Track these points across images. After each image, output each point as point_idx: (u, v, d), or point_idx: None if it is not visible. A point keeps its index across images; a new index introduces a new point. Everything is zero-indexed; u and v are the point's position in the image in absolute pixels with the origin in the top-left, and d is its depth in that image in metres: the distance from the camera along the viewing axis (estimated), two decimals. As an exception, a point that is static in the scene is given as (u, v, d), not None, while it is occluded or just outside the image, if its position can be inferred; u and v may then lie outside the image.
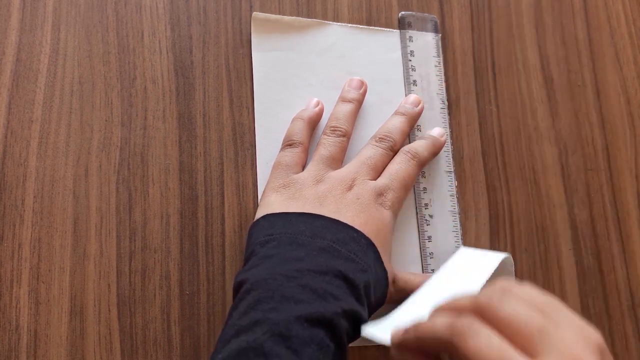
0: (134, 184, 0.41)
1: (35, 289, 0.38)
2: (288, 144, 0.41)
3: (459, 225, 0.45)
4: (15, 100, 0.40)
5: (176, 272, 0.40)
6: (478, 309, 0.26)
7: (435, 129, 0.45)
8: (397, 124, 0.43)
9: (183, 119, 0.42)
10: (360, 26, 0.47)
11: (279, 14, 0.46)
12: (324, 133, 0.42)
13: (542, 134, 0.49)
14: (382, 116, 0.45)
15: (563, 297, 0.45)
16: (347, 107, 0.43)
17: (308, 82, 0.45)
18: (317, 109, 0.43)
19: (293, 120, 0.43)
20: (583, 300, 0.46)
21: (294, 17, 0.46)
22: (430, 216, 0.44)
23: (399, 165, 0.41)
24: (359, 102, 0.44)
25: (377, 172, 0.40)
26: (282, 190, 0.39)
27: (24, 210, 0.39)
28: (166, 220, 0.41)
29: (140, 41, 0.43)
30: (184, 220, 0.41)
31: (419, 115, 0.45)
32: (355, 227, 0.36)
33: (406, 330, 0.30)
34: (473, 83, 0.48)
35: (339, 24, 0.47)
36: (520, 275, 0.45)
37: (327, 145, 0.41)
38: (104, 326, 0.38)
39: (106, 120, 0.41)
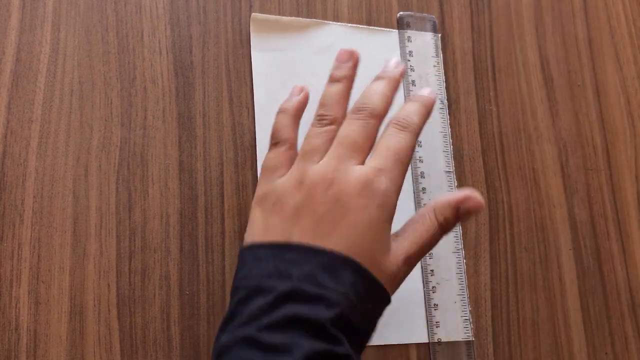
0: (134, 183, 0.41)
1: (35, 289, 0.38)
2: (273, 143, 0.38)
3: (458, 225, 0.45)
4: (15, 100, 0.40)
5: (176, 272, 0.40)
6: None
7: (424, 88, 0.39)
8: (376, 88, 0.37)
9: (183, 118, 0.42)
10: (360, 26, 0.47)
11: (279, 14, 0.46)
12: (312, 124, 0.37)
13: (542, 134, 0.49)
14: None
15: (563, 297, 0.45)
16: (336, 89, 0.38)
17: (307, 82, 0.45)
18: (300, 96, 0.39)
19: (277, 114, 0.39)
20: (583, 300, 0.46)
21: (293, 18, 0.46)
22: None
23: (389, 139, 0.35)
24: (350, 79, 0.38)
25: (361, 151, 0.35)
26: (263, 203, 0.36)
27: (24, 210, 0.39)
28: (166, 220, 0.41)
29: (140, 41, 0.43)
30: (184, 220, 0.41)
31: (400, 77, 0.39)
32: (331, 245, 0.32)
33: None
34: (473, 83, 0.48)
35: (338, 23, 0.47)
36: (521, 275, 0.45)
37: (311, 137, 0.36)
38: (103, 326, 0.38)
39: (106, 120, 0.41)
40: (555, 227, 0.47)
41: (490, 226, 0.46)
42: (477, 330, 0.43)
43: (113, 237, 0.40)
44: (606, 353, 0.45)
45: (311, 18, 0.46)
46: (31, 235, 0.39)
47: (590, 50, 0.52)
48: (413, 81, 0.47)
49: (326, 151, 0.36)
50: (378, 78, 0.38)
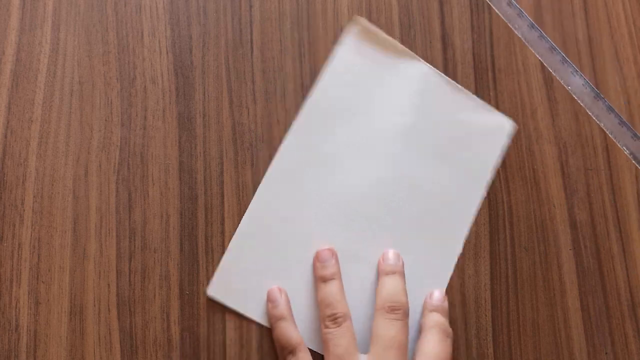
0: (134, 183, 0.41)
1: (35, 289, 0.38)
2: (289, 351, 0.39)
3: None
4: (15, 100, 0.40)
5: (176, 272, 0.40)
6: None
7: (436, 293, 0.42)
8: (397, 285, 0.40)
9: (183, 118, 0.42)
10: (454, 82, 0.47)
11: (278, 13, 0.46)
12: (325, 326, 0.39)
13: (542, 134, 0.49)
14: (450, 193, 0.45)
15: (563, 297, 0.45)
16: (334, 287, 0.40)
17: (367, 102, 0.45)
18: (284, 298, 0.40)
19: (276, 325, 0.40)
20: (583, 300, 0.46)
21: (392, 39, 0.46)
22: None
23: (439, 346, 0.39)
24: (339, 274, 0.41)
25: (406, 347, 0.38)
26: None
27: (24, 210, 0.39)
28: (166, 220, 0.41)
29: (140, 41, 0.43)
30: (184, 220, 0.41)
31: (403, 267, 0.42)
32: None
33: None
34: (473, 83, 0.48)
35: (429, 66, 0.47)
36: (521, 275, 0.45)
37: (335, 339, 0.38)
38: (103, 326, 0.38)
39: (106, 120, 0.41)
40: (555, 227, 0.47)
41: (490, 226, 0.46)
42: (477, 330, 0.43)
43: (113, 237, 0.40)
44: (606, 353, 0.45)
45: (311, 18, 0.46)
46: (31, 235, 0.39)
47: (590, 50, 0.52)
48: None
49: (355, 348, 0.38)
50: (389, 273, 0.41)
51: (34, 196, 0.39)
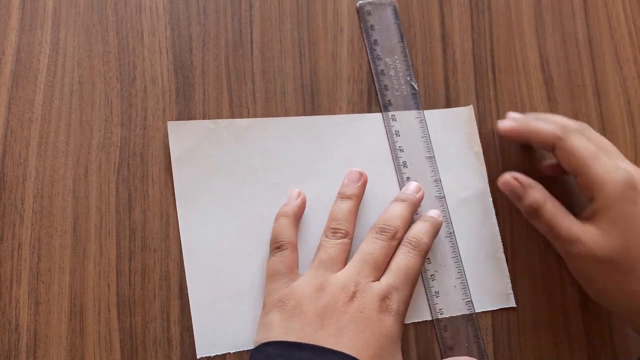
0: (134, 183, 0.41)
1: (34, 289, 0.38)
2: (276, 246, 0.40)
3: (448, 212, 0.44)
4: (15, 100, 0.40)
5: (176, 272, 0.40)
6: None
7: (432, 210, 0.43)
8: (397, 210, 0.41)
9: (183, 119, 0.43)
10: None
11: (278, 13, 0.46)
12: (325, 235, 0.40)
13: (542, 134, 0.49)
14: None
15: (563, 297, 0.45)
16: (347, 205, 0.41)
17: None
18: (298, 201, 0.41)
19: (277, 218, 0.41)
20: (583, 300, 0.46)
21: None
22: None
23: (401, 259, 0.39)
24: (359, 197, 0.42)
25: (380, 269, 0.38)
26: (281, 306, 0.37)
27: (24, 210, 0.39)
28: (166, 220, 0.41)
29: (140, 41, 0.43)
30: (184, 220, 0.41)
31: (419, 201, 0.43)
32: (352, 353, 0.34)
33: (515, 119, 0.43)
34: (473, 83, 0.48)
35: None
36: (521, 274, 0.45)
37: (327, 247, 0.39)
38: (103, 326, 0.38)
39: (106, 120, 0.41)
40: (555, 227, 0.47)
41: (490, 226, 0.46)
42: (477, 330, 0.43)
43: (113, 237, 0.40)
44: (606, 353, 0.45)
45: (311, 18, 0.46)
46: (31, 235, 0.39)
47: (590, 50, 0.52)
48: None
49: (342, 262, 0.39)
50: (399, 200, 0.42)
51: (34, 196, 0.39)
